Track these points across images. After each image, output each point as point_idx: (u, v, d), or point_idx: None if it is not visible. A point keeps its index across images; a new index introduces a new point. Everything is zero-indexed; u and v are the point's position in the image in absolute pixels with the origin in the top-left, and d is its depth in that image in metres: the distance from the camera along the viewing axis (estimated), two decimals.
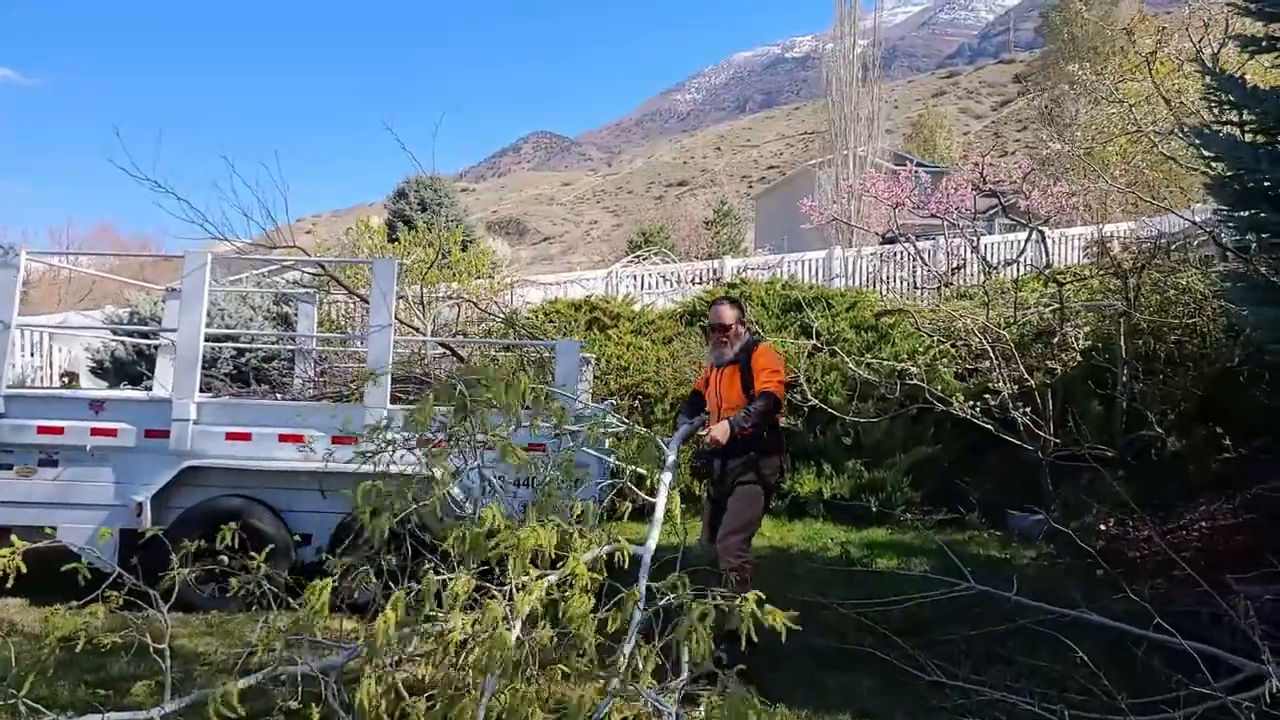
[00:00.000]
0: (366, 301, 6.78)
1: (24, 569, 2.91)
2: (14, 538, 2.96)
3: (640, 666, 3.03)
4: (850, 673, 4.40)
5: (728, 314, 4.92)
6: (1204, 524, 6.29)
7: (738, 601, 4.14)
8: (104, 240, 30.59)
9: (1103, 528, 6.67)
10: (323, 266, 7.88)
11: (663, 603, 3.29)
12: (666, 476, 4.02)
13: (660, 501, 3.88)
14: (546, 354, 6.54)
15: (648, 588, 3.38)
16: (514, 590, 3.16)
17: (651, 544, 3.67)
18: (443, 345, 6.74)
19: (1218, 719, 3.37)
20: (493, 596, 3.15)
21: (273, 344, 8.73)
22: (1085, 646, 3.87)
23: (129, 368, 8.22)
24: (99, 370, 9.04)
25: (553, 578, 3.22)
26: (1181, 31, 10.49)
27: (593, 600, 3.07)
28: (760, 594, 3.22)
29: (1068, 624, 4.29)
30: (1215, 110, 5.48)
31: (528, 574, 3.15)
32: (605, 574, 3.35)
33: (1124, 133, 12.04)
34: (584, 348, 6.12)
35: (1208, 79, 5.32)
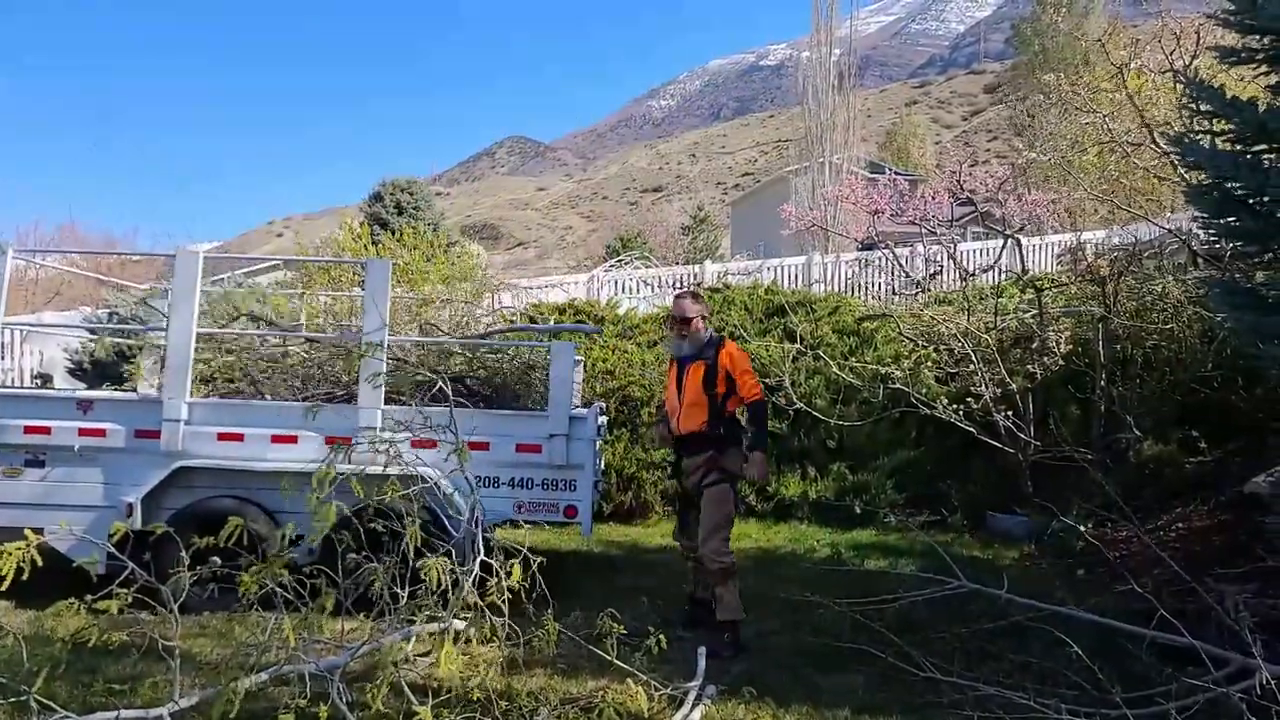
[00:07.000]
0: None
1: (39, 562, 2.88)
2: (28, 532, 2.93)
3: None
4: (844, 670, 4.44)
5: (689, 308, 5.02)
6: (1181, 525, 6.41)
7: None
8: (69, 240, 29.93)
9: (1083, 529, 6.77)
10: (316, 266, 7.84)
11: None
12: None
13: None
14: (539, 355, 6.53)
15: None
16: None
17: None
18: (435, 345, 6.72)
19: (1206, 714, 3.46)
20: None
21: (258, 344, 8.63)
22: (1073, 644, 3.94)
23: (110, 368, 8.10)
24: (78, 371, 8.89)
25: None
26: (1154, 44, 10.68)
27: None
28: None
29: (1055, 622, 4.36)
30: (1192, 120, 5.62)
31: None
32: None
33: (1097, 143, 12.24)
34: (576, 349, 6.12)
35: (1186, 89, 5.45)
